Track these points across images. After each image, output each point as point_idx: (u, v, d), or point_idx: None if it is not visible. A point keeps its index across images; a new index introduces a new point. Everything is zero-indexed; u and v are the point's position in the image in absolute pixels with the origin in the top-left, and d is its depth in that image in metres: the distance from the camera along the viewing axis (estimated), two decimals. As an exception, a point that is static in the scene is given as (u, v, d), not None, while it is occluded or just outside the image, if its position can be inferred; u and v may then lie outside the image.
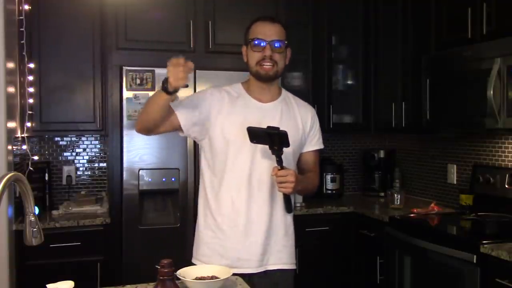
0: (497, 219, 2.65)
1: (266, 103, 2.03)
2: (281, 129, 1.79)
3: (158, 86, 3.03)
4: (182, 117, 1.92)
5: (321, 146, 2.16)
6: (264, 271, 1.98)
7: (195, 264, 1.98)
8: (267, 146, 1.83)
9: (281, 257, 2.00)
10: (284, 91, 2.12)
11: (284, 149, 1.82)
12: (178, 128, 1.95)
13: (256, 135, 1.82)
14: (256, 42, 1.95)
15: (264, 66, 1.95)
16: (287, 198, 1.93)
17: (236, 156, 1.93)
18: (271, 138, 1.79)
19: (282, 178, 1.81)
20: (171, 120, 1.91)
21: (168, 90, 1.75)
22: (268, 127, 1.80)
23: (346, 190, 4.11)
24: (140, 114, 1.96)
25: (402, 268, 2.89)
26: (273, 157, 1.84)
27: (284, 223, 2.02)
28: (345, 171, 4.09)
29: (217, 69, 3.20)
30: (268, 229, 1.96)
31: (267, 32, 1.96)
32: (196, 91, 2.93)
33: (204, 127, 1.96)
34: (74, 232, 2.99)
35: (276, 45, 1.95)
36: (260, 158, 1.93)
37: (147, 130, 1.93)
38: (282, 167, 1.82)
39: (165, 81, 1.74)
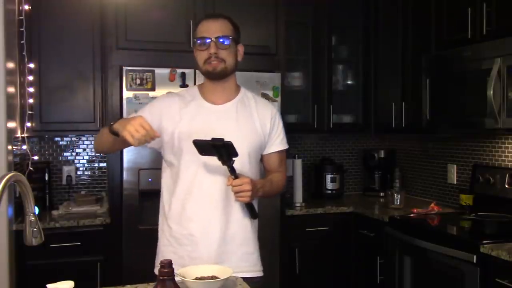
0: (497, 219, 2.65)
1: (220, 105, 1.93)
2: (227, 139, 1.70)
3: (158, 86, 3.07)
4: None
5: (285, 147, 2.06)
6: None
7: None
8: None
9: (243, 265, 1.89)
10: (243, 91, 2.01)
11: (240, 152, 1.73)
12: None
13: (202, 147, 1.74)
14: (199, 41, 1.87)
15: (211, 63, 1.86)
16: (249, 205, 1.85)
17: (187, 162, 1.87)
18: (218, 150, 1.71)
19: (238, 187, 1.75)
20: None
21: (114, 131, 1.74)
22: (213, 138, 1.71)
23: (346, 190, 4.11)
24: (95, 139, 2.02)
25: (402, 268, 2.89)
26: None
27: (243, 231, 1.92)
28: (345, 171, 4.09)
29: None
30: (222, 237, 1.87)
31: (210, 29, 1.88)
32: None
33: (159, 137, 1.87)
34: (74, 232, 2.99)
35: (220, 41, 1.86)
36: (210, 164, 1.84)
37: (104, 152, 1.91)
38: (236, 176, 1.75)
39: (114, 126, 1.75)
